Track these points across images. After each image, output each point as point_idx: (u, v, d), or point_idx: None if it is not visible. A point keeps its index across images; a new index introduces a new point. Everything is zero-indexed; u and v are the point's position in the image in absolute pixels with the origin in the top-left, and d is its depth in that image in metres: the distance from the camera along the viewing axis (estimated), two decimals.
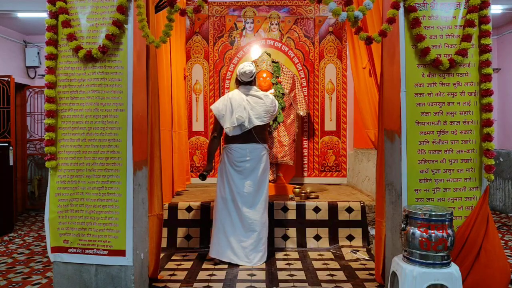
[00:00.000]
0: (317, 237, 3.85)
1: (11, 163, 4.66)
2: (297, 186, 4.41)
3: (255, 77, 3.52)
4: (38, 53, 5.98)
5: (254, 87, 3.50)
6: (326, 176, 5.38)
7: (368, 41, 2.38)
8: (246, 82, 3.45)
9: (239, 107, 3.33)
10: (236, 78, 3.52)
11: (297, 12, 5.31)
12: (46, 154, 2.60)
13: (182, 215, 3.91)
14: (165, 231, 3.73)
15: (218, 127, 3.44)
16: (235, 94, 3.43)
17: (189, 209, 3.92)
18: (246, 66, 3.41)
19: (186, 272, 3.16)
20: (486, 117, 2.41)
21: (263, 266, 3.31)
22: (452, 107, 2.42)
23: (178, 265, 3.36)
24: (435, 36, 2.42)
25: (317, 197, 4.19)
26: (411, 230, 2.09)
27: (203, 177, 3.37)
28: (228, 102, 3.38)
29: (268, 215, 3.51)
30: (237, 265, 3.29)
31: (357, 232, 3.85)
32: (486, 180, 2.43)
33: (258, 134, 3.41)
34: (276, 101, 3.57)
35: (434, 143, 2.42)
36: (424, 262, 2.06)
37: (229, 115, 3.34)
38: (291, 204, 3.93)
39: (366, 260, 3.44)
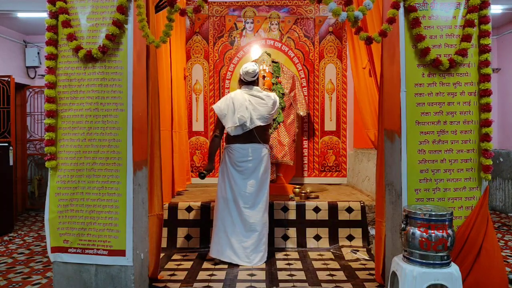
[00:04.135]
0: (317, 237, 3.85)
1: (11, 163, 4.66)
2: (297, 186, 4.41)
3: (258, 77, 3.53)
4: (38, 53, 5.98)
5: (257, 87, 3.51)
6: (326, 176, 5.38)
7: (368, 41, 2.38)
8: (249, 82, 3.46)
9: (241, 107, 3.34)
10: (239, 78, 3.53)
11: (297, 12, 5.31)
12: (46, 154, 2.60)
13: (182, 215, 3.91)
14: (165, 231, 3.73)
15: (219, 126, 3.44)
16: (237, 94, 3.44)
17: (189, 209, 3.92)
18: (249, 66, 3.43)
19: (186, 272, 3.16)
20: (485, 117, 2.41)
21: (263, 266, 3.31)
22: (452, 107, 2.42)
23: (178, 265, 3.36)
24: (435, 36, 2.42)
25: (317, 197, 4.19)
26: (411, 230, 2.09)
27: (202, 176, 3.36)
28: (230, 102, 3.38)
29: (268, 215, 3.51)
30: (237, 265, 3.29)
31: (357, 232, 3.85)
32: (483, 179, 2.43)
33: (259, 134, 3.41)
34: (278, 99, 3.56)
35: (434, 143, 2.42)
36: (424, 262, 2.06)
37: (231, 114, 3.34)
38: (291, 204, 3.93)
39: (366, 260, 3.44)
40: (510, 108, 5.76)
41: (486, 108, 2.40)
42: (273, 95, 3.53)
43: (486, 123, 2.40)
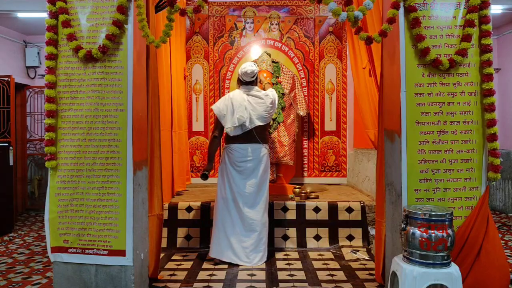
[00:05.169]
0: (317, 237, 3.85)
1: (11, 163, 4.66)
2: (297, 186, 4.41)
3: (256, 77, 3.53)
4: (38, 53, 5.97)
5: (256, 87, 3.51)
6: (326, 176, 5.38)
7: (368, 41, 2.38)
8: (247, 82, 3.46)
9: (240, 107, 3.34)
10: (238, 78, 3.53)
11: (297, 12, 5.31)
12: (46, 154, 2.60)
13: (182, 215, 3.91)
14: (165, 231, 3.73)
15: (219, 127, 3.44)
16: (236, 94, 3.44)
17: (189, 209, 3.92)
18: (248, 66, 3.43)
19: (186, 272, 3.16)
20: (490, 117, 2.41)
21: (263, 266, 3.31)
22: (452, 107, 2.42)
23: (178, 265, 3.36)
24: (435, 36, 2.42)
25: (317, 197, 4.19)
26: (411, 230, 2.09)
27: (205, 177, 3.37)
28: (229, 102, 3.38)
29: (268, 215, 3.51)
30: (237, 265, 3.29)
31: (357, 232, 3.85)
32: (491, 180, 2.42)
33: (258, 134, 3.41)
34: (277, 97, 3.55)
35: (434, 143, 2.42)
36: (424, 262, 2.06)
37: (230, 115, 3.35)
38: (291, 204, 3.93)
39: (366, 260, 3.44)
40: (510, 108, 5.76)
41: (490, 108, 2.40)
42: (272, 94, 3.52)
43: (492, 123, 2.40)
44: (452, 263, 2.12)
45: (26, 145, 5.90)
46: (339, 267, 3.28)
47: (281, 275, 3.09)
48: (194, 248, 3.79)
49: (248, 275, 3.10)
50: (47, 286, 2.94)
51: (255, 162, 3.40)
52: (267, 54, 4.76)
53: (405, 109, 2.42)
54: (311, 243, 3.83)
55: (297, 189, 4.29)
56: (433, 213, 2.07)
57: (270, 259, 3.45)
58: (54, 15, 2.60)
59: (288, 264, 3.37)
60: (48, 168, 2.62)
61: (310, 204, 3.93)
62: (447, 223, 2.06)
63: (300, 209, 3.91)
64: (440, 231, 2.04)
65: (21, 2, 4.68)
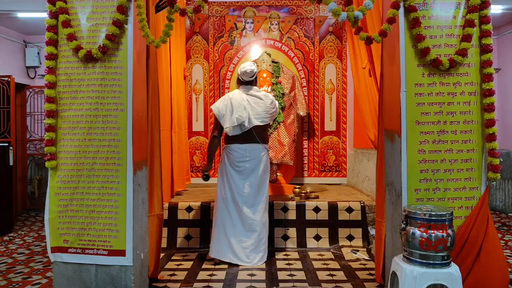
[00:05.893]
0: (317, 237, 3.85)
1: (11, 163, 4.66)
2: (297, 186, 4.41)
3: (256, 77, 3.53)
4: (38, 53, 5.97)
5: (255, 87, 3.51)
6: (326, 176, 5.38)
7: (368, 41, 2.38)
8: (247, 82, 3.46)
9: (239, 106, 3.34)
10: (237, 78, 3.53)
11: (297, 12, 5.31)
12: (46, 154, 2.60)
13: (182, 215, 3.91)
14: (165, 231, 3.72)
15: (218, 126, 3.44)
16: (235, 94, 3.44)
17: (189, 209, 3.92)
18: (247, 66, 3.43)
19: (186, 272, 3.16)
20: (489, 117, 2.41)
21: (263, 266, 3.31)
22: (452, 107, 2.43)
23: (178, 265, 3.36)
24: (435, 36, 2.42)
25: (317, 197, 4.19)
26: (411, 230, 2.09)
27: (206, 177, 3.37)
28: (228, 102, 3.38)
29: (268, 215, 3.51)
30: (237, 265, 3.29)
31: (357, 232, 3.85)
32: (491, 180, 2.42)
33: (258, 134, 3.41)
34: (276, 102, 3.57)
35: (434, 143, 2.42)
36: (424, 262, 2.06)
37: (229, 115, 3.35)
38: (291, 204, 3.93)
39: (366, 260, 3.44)
40: (510, 108, 5.76)
41: (489, 108, 2.40)
42: (270, 95, 3.54)
43: (491, 123, 2.40)
44: (452, 263, 2.12)
45: (26, 145, 5.90)
46: (339, 267, 3.28)
47: (281, 275, 3.09)
48: (194, 248, 3.79)
49: (248, 275, 3.10)
50: (47, 286, 2.94)
51: (255, 162, 3.39)
52: (267, 54, 4.76)
53: (405, 109, 2.42)
54: (311, 243, 3.83)
55: (297, 189, 4.29)
56: (433, 213, 2.07)
57: (270, 259, 3.45)
58: (54, 15, 2.60)
59: (288, 264, 3.37)
60: (48, 168, 2.62)
61: (310, 204, 3.93)
62: (447, 223, 2.06)
63: (300, 209, 3.91)
64: (440, 231, 2.04)
65: (21, 2, 4.68)
